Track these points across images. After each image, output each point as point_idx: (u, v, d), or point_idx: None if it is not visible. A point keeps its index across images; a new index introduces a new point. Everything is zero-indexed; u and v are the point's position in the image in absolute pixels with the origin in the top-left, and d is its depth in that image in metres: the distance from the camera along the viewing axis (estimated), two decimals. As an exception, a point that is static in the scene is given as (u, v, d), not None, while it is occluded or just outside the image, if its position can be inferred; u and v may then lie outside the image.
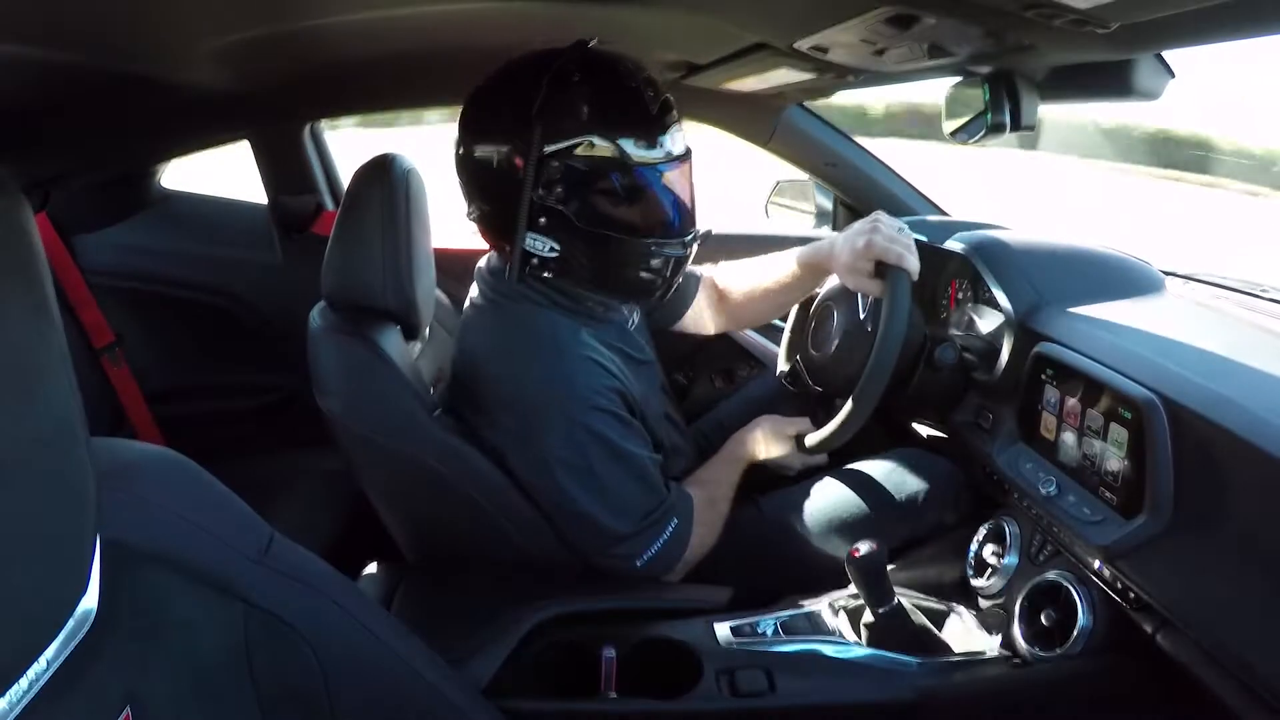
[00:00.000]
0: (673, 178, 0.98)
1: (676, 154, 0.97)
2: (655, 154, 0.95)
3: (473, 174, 0.98)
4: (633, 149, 0.93)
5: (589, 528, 1.01)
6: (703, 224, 1.06)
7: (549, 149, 0.91)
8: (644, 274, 0.99)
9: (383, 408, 1.01)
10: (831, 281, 1.22)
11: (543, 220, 0.94)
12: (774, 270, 1.26)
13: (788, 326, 1.39)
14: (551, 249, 0.96)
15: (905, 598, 0.97)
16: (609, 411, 1.00)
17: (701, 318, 1.37)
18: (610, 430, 0.99)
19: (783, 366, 1.36)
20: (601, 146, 0.92)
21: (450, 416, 1.04)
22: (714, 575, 1.08)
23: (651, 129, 0.94)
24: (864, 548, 0.88)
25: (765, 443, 1.18)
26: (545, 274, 0.99)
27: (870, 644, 0.94)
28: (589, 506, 0.99)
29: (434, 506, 1.08)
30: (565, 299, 1.04)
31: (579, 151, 0.92)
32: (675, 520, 1.04)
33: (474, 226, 1.03)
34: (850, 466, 1.20)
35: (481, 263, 1.12)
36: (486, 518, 1.03)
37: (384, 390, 1.00)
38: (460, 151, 0.99)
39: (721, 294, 1.37)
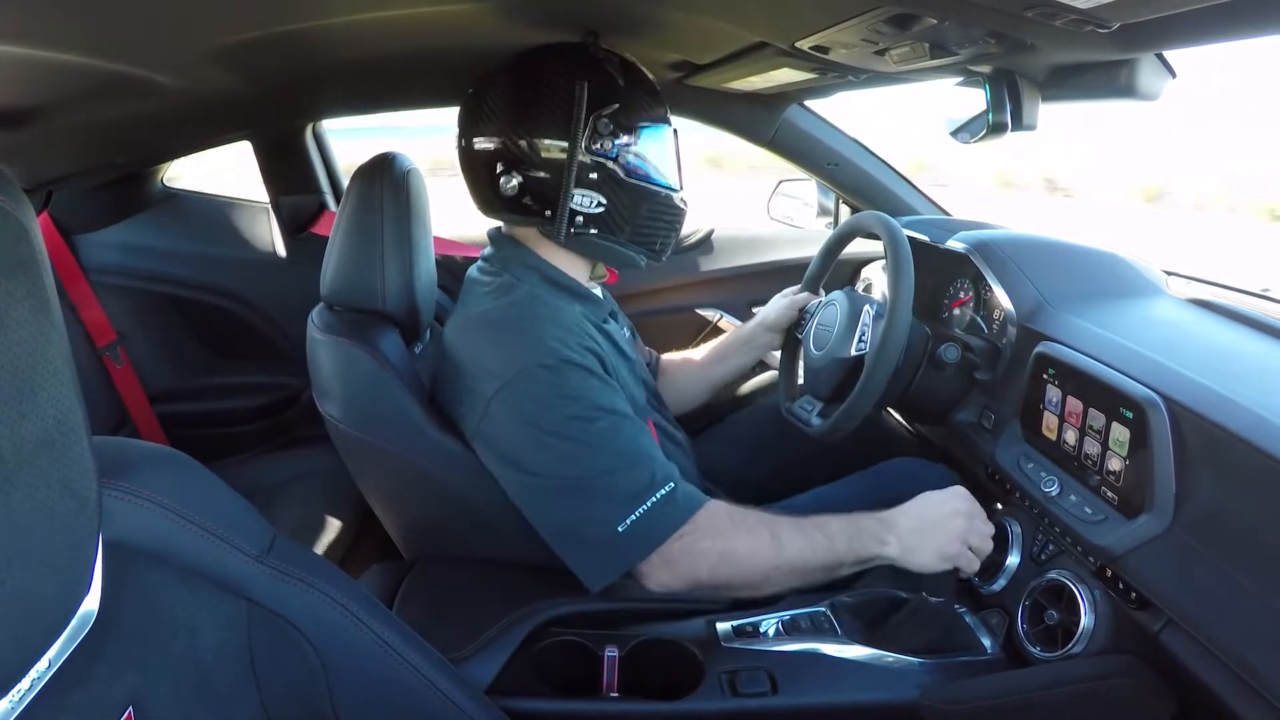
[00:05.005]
0: (674, 141, 1.11)
1: (672, 124, 1.11)
2: (667, 121, 1.09)
3: (516, 149, 1.01)
4: (657, 113, 1.07)
5: (567, 498, 0.91)
6: (705, 223, 1.09)
7: (600, 111, 1.00)
8: (663, 225, 1.10)
9: (381, 412, 1.01)
10: (828, 292, 1.26)
11: (593, 176, 1.02)
12: (707, 349, 1.44)
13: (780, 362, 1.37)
14: (599, 204, 1.03)
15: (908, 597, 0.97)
16: (582, 366, 0.95)
17: None
18: (580, 385, 0.94)
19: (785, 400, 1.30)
20: (638, 108, 1.04)
21: (447, 418, 1.03)
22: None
23: (662, 100, 1.09)
24: None
25: (943, 525, 0.94)
26: (591, 230, 1.04)
27: (889, 635, 0.94)
28: (566, 470, 0.91)
29: (433, 510, 1.08)
30: (558, 274, 1.06)
31: (621, 114, 1.02)
32: (672, 484, 0.92)
33: (503, 201, 1.03)
34: (851, 476, 1.20)
35: (473, 268, 1.11)
36: (486, 521, 1.02)
37: (382, 395, 0.99)
38: (495, 136, 1.01)
39: (662, 369, 1.45)
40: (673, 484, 0.93)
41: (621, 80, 1.02)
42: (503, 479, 0.97)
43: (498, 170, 1.01)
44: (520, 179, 1.01)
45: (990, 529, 0.97)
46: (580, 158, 1.00)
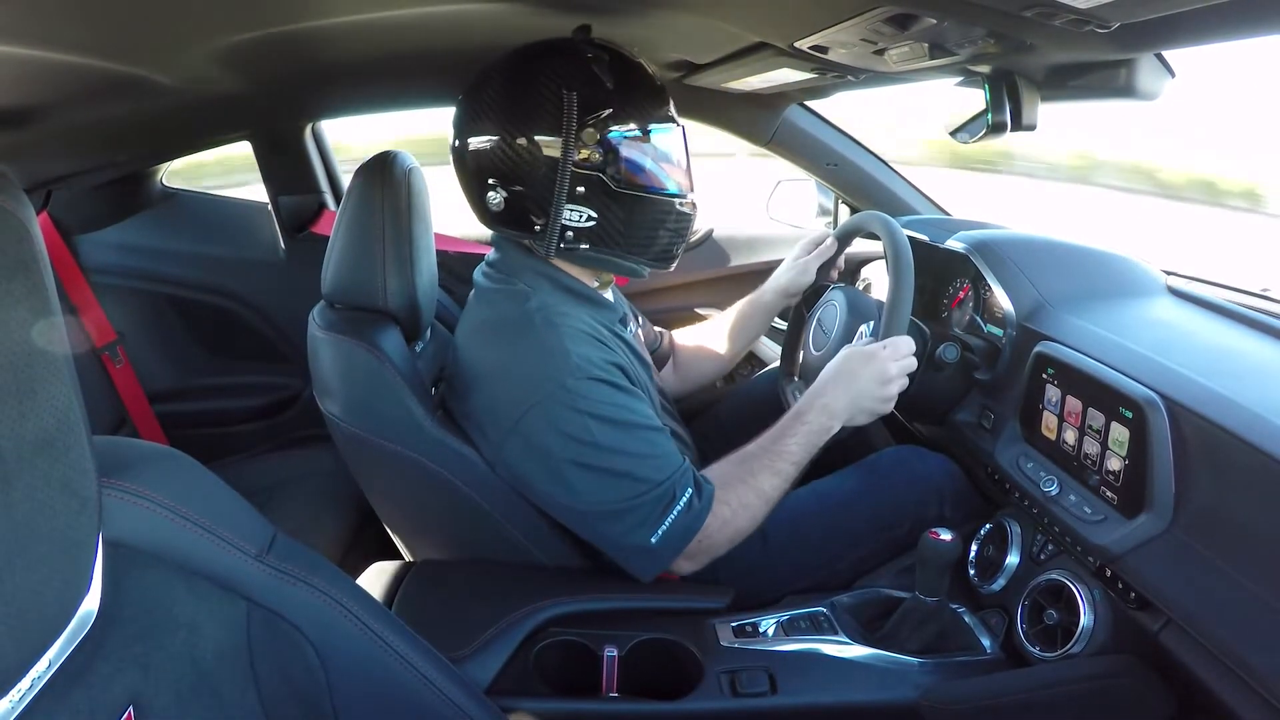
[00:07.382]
0: (680, 142, 1.05)
1: (679, 121, 1.05)
2: (668, 120, 1.03)
3: (502, 161, 0.97)
4: (654, 115, 1.00)
5: (600, 522, 0.96)
6: (704, 224, 1.08)
7: (585, 121, 0.95)
8: (666, 233, 1.05)
9: (382, 410, 1.01)
10: (829, 290, 1.27)
11: (580, 189, 0.97)
12: (718, 324, 1.45)
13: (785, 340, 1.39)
14: (589, 217, 0.99)
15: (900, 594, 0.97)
16: (607, 381, 0.97)
17: (666, 378, 1.43)
18: (609, 402, 0.96)
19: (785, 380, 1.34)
20: (630, 113, 0.98)
21: (450, 418, 1.03)
22: (715, 576, 1.08)
23: (664, 98, 1.02)
24: (946, 535, 0.87)
25: (856, 384, 1.04)
26: (582, 245, 1.00)
27: (889, 635, 0.94)
28: (599, 495, 0.95)
29: (434, 508, 1.08)
30: (568, 279, 1.05)
31: (611, 121, 0.96)
32: (689, 491, 0.97)
33: (492, 215, 1.01)
34: (849, 467, 1.20)
35: (478, 271, 1.11)
36: (488, 520, 1.02)
37: (383, 393, 0.99)
38: (482, 145, 0.97)
39: (676, 348, 1.46)
40: (690, 490, 0.98)
41: (611, 83, 0.95)
42: (534, 494, 1.00)
43: (487, 182, 0.99)
44: (505, 194, 0.98)
45: (909, 356, 1.05)
46: (566, 170, 0.94)
